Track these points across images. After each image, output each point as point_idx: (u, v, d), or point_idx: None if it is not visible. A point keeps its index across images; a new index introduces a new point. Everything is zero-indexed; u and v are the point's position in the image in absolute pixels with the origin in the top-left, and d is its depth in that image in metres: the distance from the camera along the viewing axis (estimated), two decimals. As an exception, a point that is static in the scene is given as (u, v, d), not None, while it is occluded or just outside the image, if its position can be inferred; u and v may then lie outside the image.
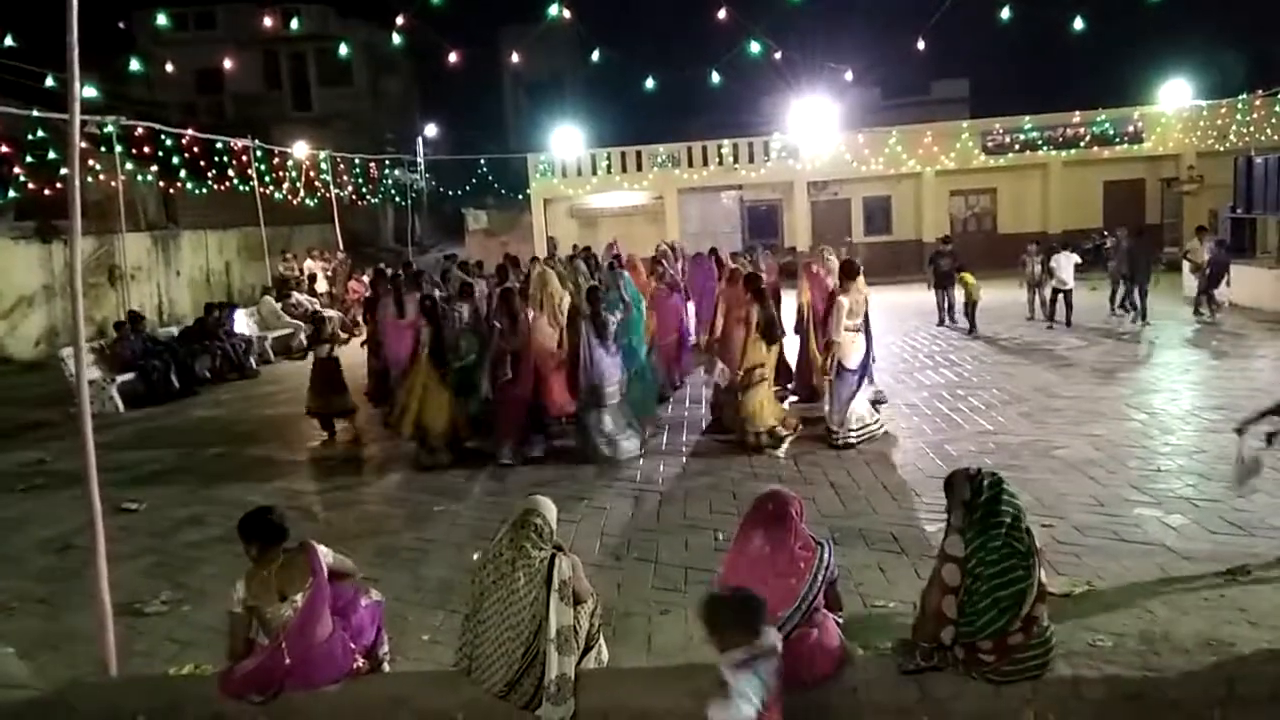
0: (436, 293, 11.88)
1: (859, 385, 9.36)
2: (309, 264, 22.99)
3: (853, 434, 9.22)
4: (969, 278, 16.14)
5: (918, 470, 8.36)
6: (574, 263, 15.47)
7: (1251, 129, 25.46)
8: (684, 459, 9.24)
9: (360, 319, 17.54)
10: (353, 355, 14.27)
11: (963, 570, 4.08)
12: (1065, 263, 16.00)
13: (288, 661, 4.32)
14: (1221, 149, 25.20)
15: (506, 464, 9.22)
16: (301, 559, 4.44)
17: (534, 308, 9.89)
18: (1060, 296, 16.14)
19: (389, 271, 15.91)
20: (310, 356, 11.78)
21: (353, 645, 4.55)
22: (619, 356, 9.57)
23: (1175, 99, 26.94)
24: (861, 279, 9.60)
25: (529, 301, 10.00)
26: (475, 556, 4.52)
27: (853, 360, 9.34)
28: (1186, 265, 16.31)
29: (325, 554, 4.51)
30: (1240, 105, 25.84)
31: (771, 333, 9.64)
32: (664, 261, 14.46)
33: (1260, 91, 25.46)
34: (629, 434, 9.46)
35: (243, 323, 17.48)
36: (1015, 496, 4.22)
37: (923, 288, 18.35)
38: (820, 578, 4.29)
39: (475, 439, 9.82)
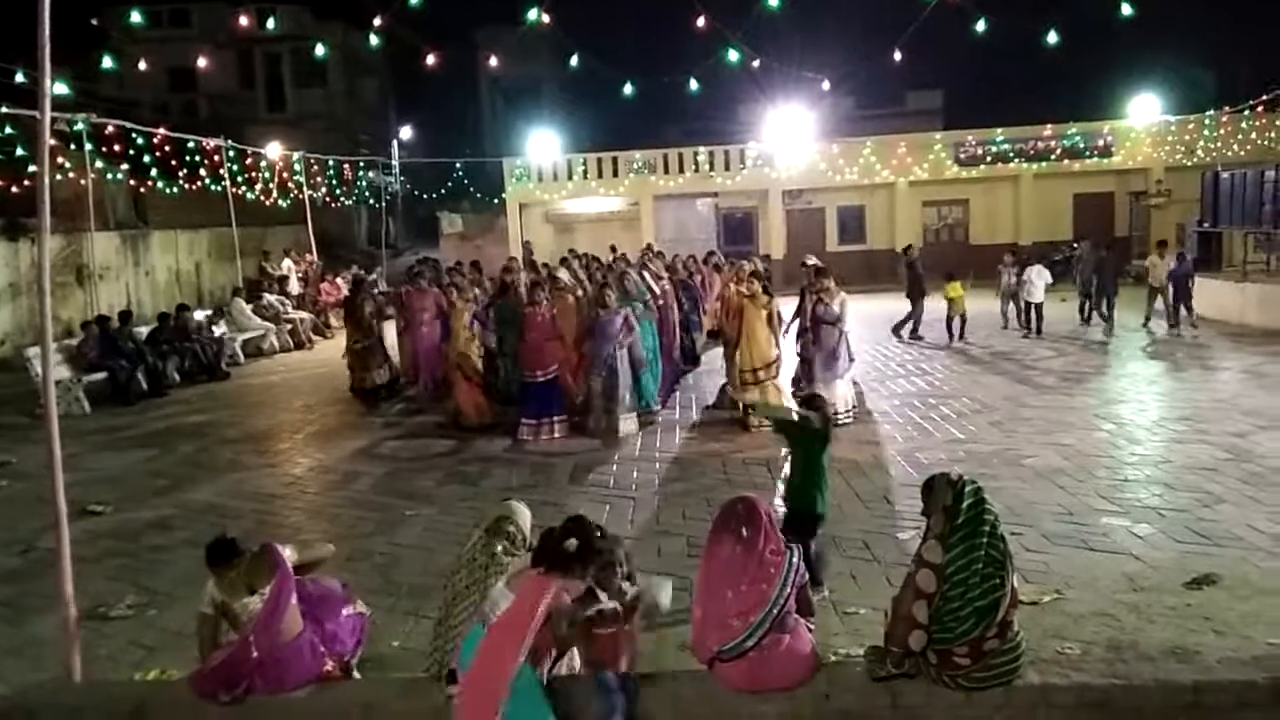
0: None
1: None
2: (286, 264, 22.84)
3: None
4: (955, 289, 16.14)
5: (889, 478, 8.41)
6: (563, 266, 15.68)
7: (1218, 145, 25.89)
8: (657, 465, 9.25)
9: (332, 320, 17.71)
10: (327, 355, 14.18)
11: (939, 577, 4.09)
12: (1037, 277, 16.39)
13: (255, 654, 4.29)
14: (1189, 164, 25.61)
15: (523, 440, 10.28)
16: (265, 557, 4.48)
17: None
18: (1032, 308, 16.47)
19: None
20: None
21: (323, 649, 4.52)
22: (637, 343, 10.69)
23: (1145, 114, 27.35)
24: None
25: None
26: (464, 549, 4.55)
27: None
28: (1151, 281, 16.44)
29: (289, 552, 4.53)
30: (1208, 121, 26.28)
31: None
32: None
33: (1227, 108, 25.91)
34: (632, 416, 10.48)
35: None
36: (992, 504, 4.26)
37: (894, 297, 18.46)
38: (790, 581, 4.30)
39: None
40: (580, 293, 11.78)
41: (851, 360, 10.80)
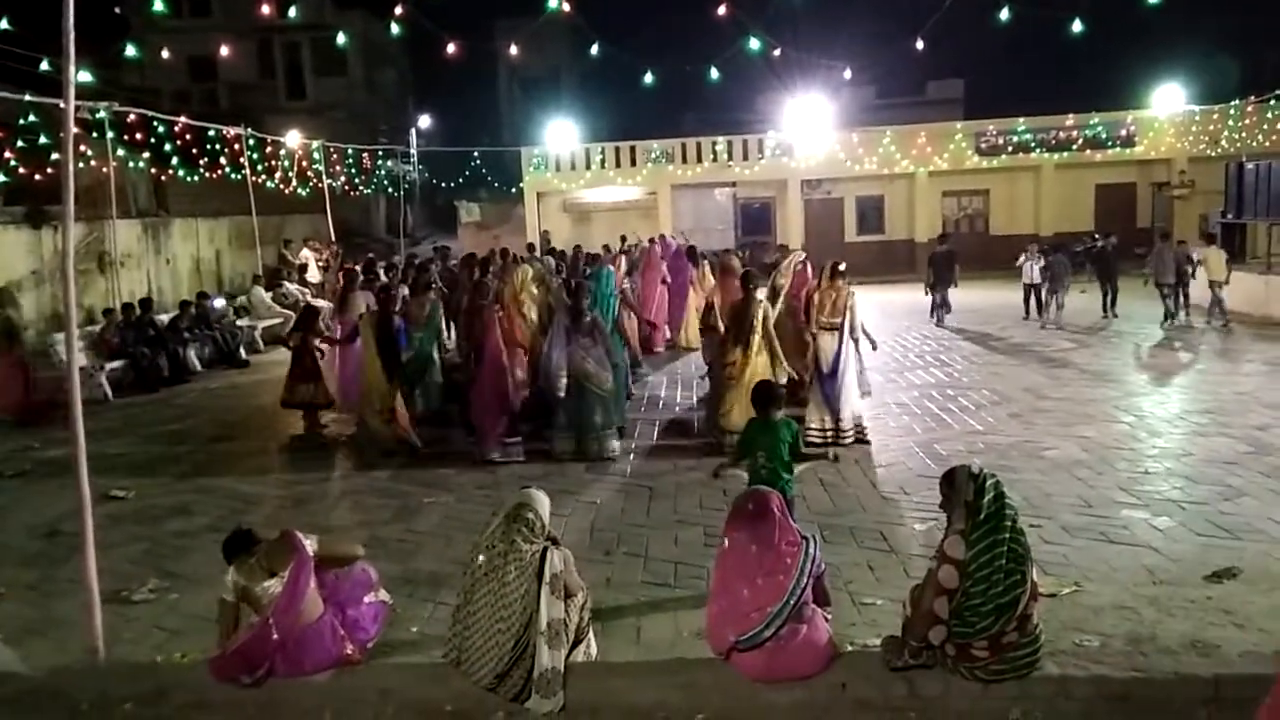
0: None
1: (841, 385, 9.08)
2: (304, 253, 22.92)
3: (848, 435, 9.10)
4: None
5: (907, 469, 8.39)
6: (545, 260, 15.74)
7: (1243, 135, 25.59)
8: (674, 454, 9.24)
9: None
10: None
11: (962, 573, 4.08)
12: (1030, 264, 16.98)
13: (275, 636, 4.34)
14: (1213, 154, 25.32)
15: (495, 460, 9.03)
16: (284, 542, 4.53)
17: (509, 306, 10.36)
18: (1030, 293, 17.12)
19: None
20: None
21: (342, 632, 4.56)
22: (603, 351, 9.21)
23: (1168, 104, 27.07)
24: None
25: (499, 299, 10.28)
26: (483, 536, 4.57)
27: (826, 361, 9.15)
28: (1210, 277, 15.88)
29: (310, 541, 4.58)
30: (1232, 111, 25.96)
31: (739, 332, 9.05)
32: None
33: (1252, 98, 25.57)
34: (612, 432, 9.23)
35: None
36: (1011, 497, 4.25)
37: (913, 288, 18.45)
38: (807, 571, 4.31)
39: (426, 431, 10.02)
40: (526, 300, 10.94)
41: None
